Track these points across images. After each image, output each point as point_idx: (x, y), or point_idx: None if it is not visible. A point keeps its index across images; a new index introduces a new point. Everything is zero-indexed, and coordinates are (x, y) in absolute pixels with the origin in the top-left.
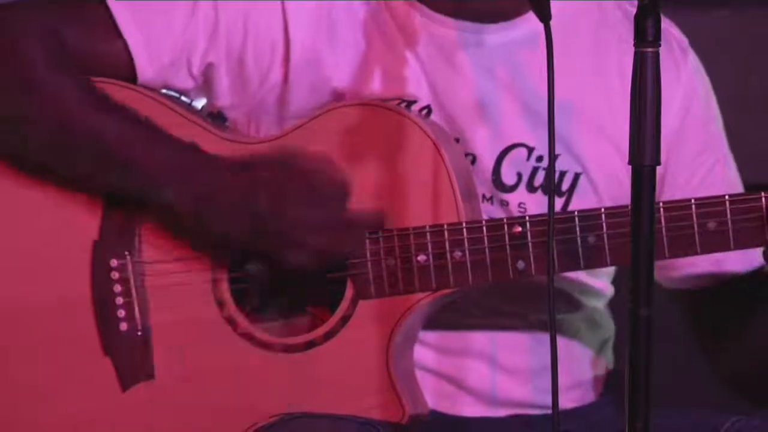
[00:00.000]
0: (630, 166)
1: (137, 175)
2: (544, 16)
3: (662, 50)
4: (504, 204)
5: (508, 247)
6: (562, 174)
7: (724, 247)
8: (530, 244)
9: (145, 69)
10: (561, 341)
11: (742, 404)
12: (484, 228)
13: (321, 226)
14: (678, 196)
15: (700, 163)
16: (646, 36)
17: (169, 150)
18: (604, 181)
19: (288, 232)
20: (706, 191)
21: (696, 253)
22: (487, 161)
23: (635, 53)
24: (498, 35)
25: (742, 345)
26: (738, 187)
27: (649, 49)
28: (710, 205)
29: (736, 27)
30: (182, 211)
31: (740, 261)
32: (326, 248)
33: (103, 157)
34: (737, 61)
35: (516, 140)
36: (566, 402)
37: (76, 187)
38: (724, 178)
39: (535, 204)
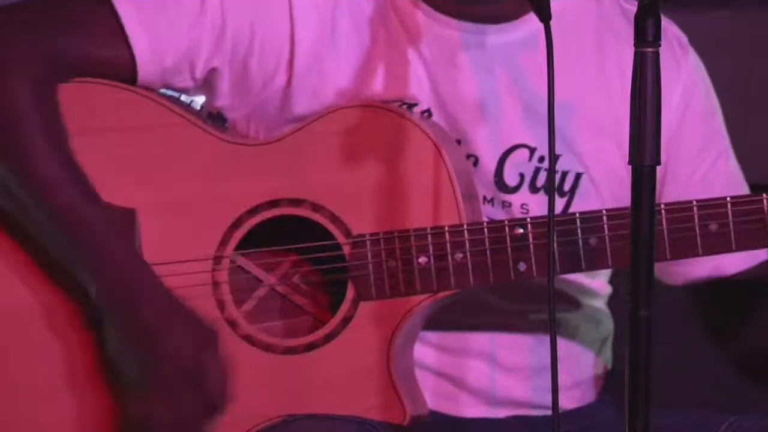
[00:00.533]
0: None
1: (55, 227)
2: (544, 16)
3: (662, 47)
4: (506, 205)
5: (509, 248)
6: (564, 174)
7: (726, 249)
8: (531, 245)
9: (146, 70)
10: (561, 340)
11: (741, 404)
12: (486, 230)
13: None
14: (679, 192)
15: (702, 159)
16: (646, 36)
17: (97, 239)
18: (605, 181)
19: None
20: (709, 187)
21: (698, 255)
22: (489, 162)
23: (635, 53)
24: (499, 36)
25: (749, 328)
26: (740, 181)
27: (650, 50)
28: (712, 206)
29: (736, 27)
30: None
31: (741, 260)
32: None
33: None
34: (737, 61)
35: (518, 141)
36: (566, 402)
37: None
38: (726, 173)
39: (538, 205)
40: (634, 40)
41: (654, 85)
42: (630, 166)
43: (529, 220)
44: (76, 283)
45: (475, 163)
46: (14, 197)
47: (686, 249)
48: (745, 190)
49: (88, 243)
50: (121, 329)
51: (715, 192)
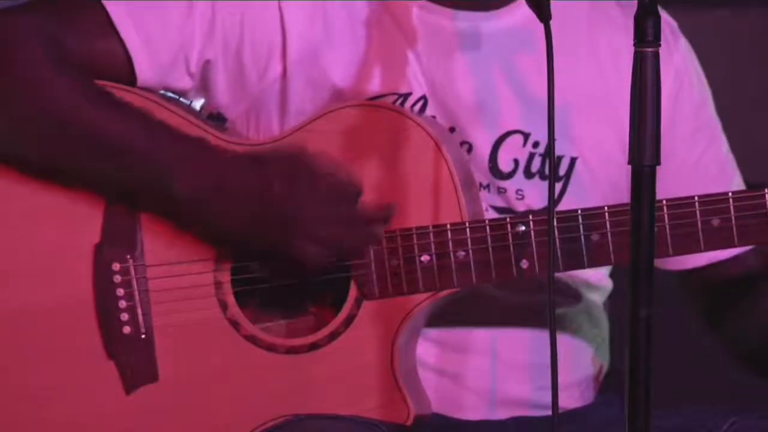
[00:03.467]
0: (627, 145)
1: (140, 166)
2: (544, 16)
3: None
4: (501, 191)
5: (511, 246)
6: (559, 159)
7: (728, 244)
8: (533, 243)
9: (144, 69)
10: (563, 338)
11: (742, 404)
12: (487, 227)
13: (338, 220)
14: (675, 175)
15: (696, 141)
16: (645, 36)
17: (173, 140)
18: (600, 165)
19: (305, 224)
20: (704, 170)
21: (700, 251)
22: (483, 149)
23: (635, 53)
24: (492, 23)
25: (751, 317)
26: (733, 167)
27: (649, 49)
28: (714, 202)
29: (736, 27)
30: (186, 200)
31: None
32: (343, 242)
33: (106, 151)
34: (737, 61)
35: (511, 127)
36: (566, 400)
37: (80, 184)
38: (720, 158)
39: (533, 190)
40: (634, 40)
41: (654, 85)
42: (625, 149)
43: (530, 217)
44: (149, 199)
45: (469, 150)
46: (62, 135)
47: (688, 244)
48: (737, 176)
49: (157, 146)
50: (226, 203)
51: (710, 176)
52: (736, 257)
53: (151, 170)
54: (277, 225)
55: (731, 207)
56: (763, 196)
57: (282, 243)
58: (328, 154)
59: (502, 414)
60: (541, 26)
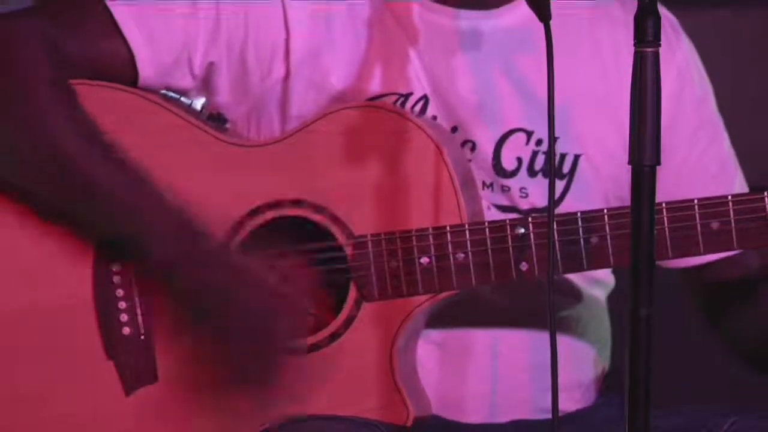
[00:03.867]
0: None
1: (117, 216)
2: (544, 16)
3: None
4: (505, 190)
5: (510, 248)
6: (562, 156)
7: (728, 247)
8: (533, 245)
9: (146, 68)
10: (564, 340)
11: (742, 404)
12: (487, 230)
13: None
14: (676, 173)
15: (698, 139)
16: (645, 36)
17: (156, 202)
18: (604, 162)
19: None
20: (705, 168)
21: (699, 254)
22: (486, 148)
23: (635, 53)
24: (493, 21)
25: (751, 314)
26: (735, 165)
27: (649, 49)
28: (713, 205)
29: (736, 27)
30: (156, 263)
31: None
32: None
33: (87, 192)
34: (737, 61)
35: (514, 125)
36: (567, 402)
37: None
38: (721, 156)
39: (537, 188)
40: (634, 40)
41: (654, 85)
42: (628, 147)
43: (530, 219)
44: (120, 258)
45: (473, 148)
46: (41, 174)
47: (687, 247)
48: (739, 174)
49: (135, 209)
50: (195, 280)
51: (711, 174)
52: (737, 255)
53: (128, 225)
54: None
55: (731, 210)
56: (763, 199)
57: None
58: (329, 154)
59: (502, 417)
60: (542, 24)
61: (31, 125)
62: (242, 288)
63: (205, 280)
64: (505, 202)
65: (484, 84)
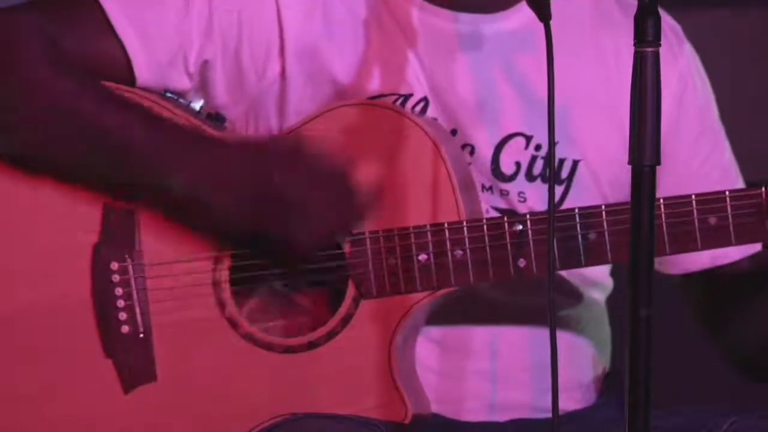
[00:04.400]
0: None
1: (139, 160)
2: (544, 17)
3: None
4: (504, 194)
5: (508, 245)
6: (561, 161)
7: (726, 243)
8: (531, 242)
9: (143, 69)
10: (565, 339)
11: (742, 404)
12: (485, 226)
13: (333, 203)
14: (678, 179)
15: (700, 146)
16: (645, 36)
17: (172, 133)
18: (603, 168)
19: (304, 210)
20: (706, 176)
21: (697, 249)
22: (485, 151)
23: (635, 53)
24: (493, 25)
25: (748, 322)
26: (736, 173)
27: (649, 49)
28: (711, 201)
29: (736, 27)
30: (186, 192)
31: (737, 250)
32: (336, 224)
33: (106, 147)
34: (737, 61)
35: (514, 129)
36: (568, 402)
37: (80, 182)
38: (723, 163)
39: (535, 193)
40: (634, 40)
41: (654, 85)
42: (628, 152)
43: (528, 216)
44: (153, 196)
45: (472, 152)
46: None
47: (685, 243)
48: (740, 182)
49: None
50: (225, 193)
51: (712, 181)
52: (737, 261)
53: (151, 164)
54: (277, 213)
55: (728, 205)
56: (760, 194)
57: (281, 231)
58: (326, 152)
59: (501, 416)
60: (543, 29)
61: (40, 99)
62: (280, 170)
63: (246, 176)
64: (504, 206)
65: (483, 87)
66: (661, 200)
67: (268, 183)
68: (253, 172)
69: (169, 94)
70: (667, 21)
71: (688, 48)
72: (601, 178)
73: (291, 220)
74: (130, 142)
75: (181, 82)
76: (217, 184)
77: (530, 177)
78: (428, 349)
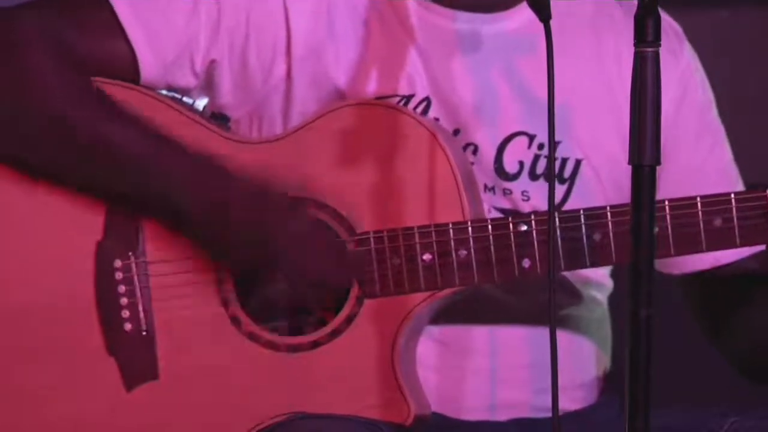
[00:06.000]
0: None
1: (148, 178)
2: (544, 16)
3: None
4: (507, 193)
5: (513, 245)
6: (564, 161)
7: (730, 244)
8: (535, 242)
9: (148, 67)
10: (565, 339)
11: (742, 404)
12: (490, 226)
13: (323, 265)
14: (677, 179)
15: (699, 146)
16: (645, 36)
17: (184, 156)
18: (605, 166)
19: (294, 264)
20: (705, 176)
21: (702, 251)
22: (488, 151)
23: (635, 53)
24: (494, 25)
25: (746, 325)
26: (735, 173)
27: (649, 50)
28: (716, 203)
29: (736, 27)
30: (194, 217)
31: (736, 251)
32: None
33: (116, 161)
34: (737, 61)
35: (516, 129)
36: (569, 402)
37: (85, 192)
38: (722, 163)
39: (538, 192)
40: (634, 40)
41: (654, 85)
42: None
43: (532, 216)
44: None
45: (475, 151)
46: (78, 155)
47: (690, 245)
48: (739, 182)
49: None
50: (228, 227)
51: (711, 181)
52: (736, 262)
53: (161, 183)
54: (271, 259)
55: (733, 207)
56: (765, 196)
57: (272, 279)
58: (330, 151)
59: (501, 416)
60: (543, 29)
61: (42, 101)
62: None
63: (250, 208)
64: (506, 206)
65: (484, 87)
66: (666, 202)
67: (264, 231)
68: (252, 215)
69: (173, 93)
70: (668, 21)
71: (688, 48)
72: (604, 178)
73: (282, 272)
74: (141, 159)
75: (186, 80)
76: (222, 218)
77: (533, 176)
78: (428, 348)
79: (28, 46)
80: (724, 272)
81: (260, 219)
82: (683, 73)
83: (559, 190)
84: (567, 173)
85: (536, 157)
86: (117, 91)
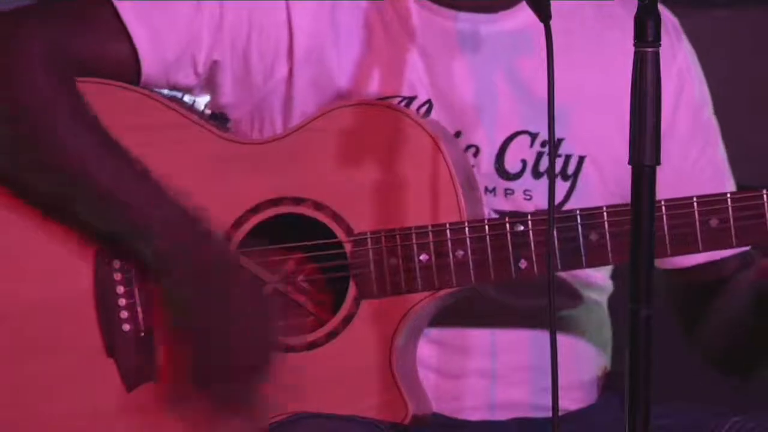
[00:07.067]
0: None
1: (120, 214)
2: (544, 16)
3: None
4: (508, 193)
5: (510, 245)
6: (567, 158)
7: (726, 245)
8: (532, 242)
9: (150, 65)
10: (565, 340)
11: (744, 404)
12: (486, 227)
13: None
14: (671, 175)
15: (695, 142)
16: (645, 36)
17: (157, 197)
18: (608, 163)
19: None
20: (700, 172)
21: (698, 251)
22: (490, 151)
23: (635, 53)
24: (494, 25)
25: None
26: (728, 171)
27: (650, 49)
28: (712, 203)
29: (736, 27)
30: (160, 257)
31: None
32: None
33: (90, 192)
34: (737, 61)
35: (518, 128)
36: (568, 403)
37: (57, 219)
38: (716, 161)
39: (541, 190)
40: (634, 39)
41: (654, 85)
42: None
43: (529, 217)
44: (121, 253)
45: (476, 153)
46: (51, 178)
47: (687, 245)
48: (731, 183)
49: (141, 205)
50: (192, 274)
51: (705, 177)
52: (726, 258)
53: (126, 218)
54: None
55: (729, 208)
56: (762, 196)
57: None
58: (328, 151)
59: (501, 416)
60: (543, 28)
61: (29, 119)
62: (237, 286)
63: (201, 275)
64: (507, 208)
65: (485, 88)
66: (662, 202)
67: (220, 299)
68: (208, 283)
69: (173, 92)
70: (667, 16)
71: (686, 44)
72: (606, 175)
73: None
74: (115, 194)
75: (188, 79)
76: (185, 266)
77: (536, 174)
78: (428, 348)
79: (21, 45)
80: (708, 269)
81: (214, 289)
82: (681, 68)
83: (563, 186)
84: (570, 170)
85: (539, 155)
86: (119, 91)
